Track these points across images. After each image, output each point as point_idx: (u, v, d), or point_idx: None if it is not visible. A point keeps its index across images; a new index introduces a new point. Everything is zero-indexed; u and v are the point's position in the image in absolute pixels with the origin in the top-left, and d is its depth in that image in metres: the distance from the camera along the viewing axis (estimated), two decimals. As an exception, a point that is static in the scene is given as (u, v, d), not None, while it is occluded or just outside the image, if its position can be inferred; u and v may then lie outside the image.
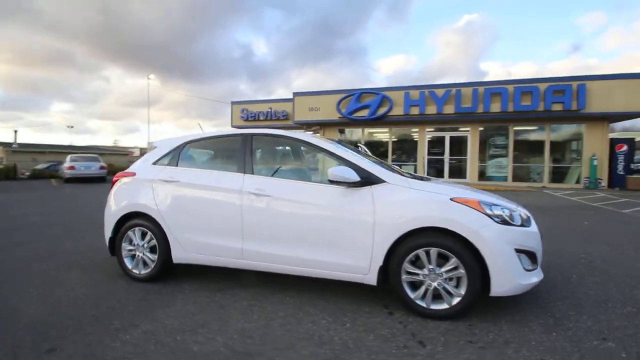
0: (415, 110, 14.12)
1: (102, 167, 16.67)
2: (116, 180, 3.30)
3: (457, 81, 12.14)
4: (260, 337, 2.12)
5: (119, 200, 3.17)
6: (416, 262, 2.36)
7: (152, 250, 3.03)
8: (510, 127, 14.08)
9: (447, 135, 15.00)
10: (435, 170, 15.11)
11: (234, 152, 3.01)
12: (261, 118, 19.02)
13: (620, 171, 12.97)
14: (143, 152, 31.80)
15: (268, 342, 2.05)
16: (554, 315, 2.38)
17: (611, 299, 2.69)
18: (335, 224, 2.51)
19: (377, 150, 15.47)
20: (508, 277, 2.22)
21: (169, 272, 3.10)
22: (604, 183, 12.92)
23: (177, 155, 3.15)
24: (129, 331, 2.18)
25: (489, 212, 2.28)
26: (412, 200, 2.40)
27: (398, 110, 14.34)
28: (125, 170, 3.34)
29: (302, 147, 3.10)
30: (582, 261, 3.71)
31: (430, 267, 2.32)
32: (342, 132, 16.76)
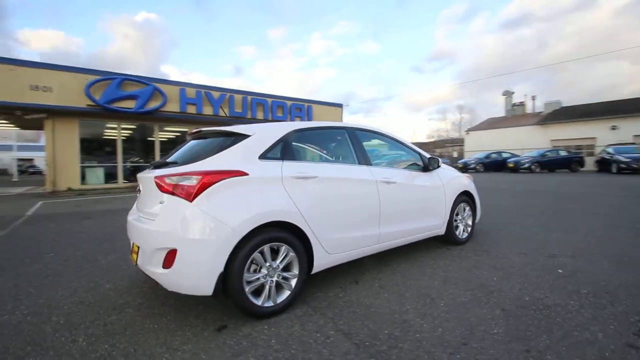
0: (192, 109, 13.76)
1: None
2: (209, 184, 2.08)
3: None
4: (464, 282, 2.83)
5: (236, 211, 2.10)
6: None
7: (286, 268, 2.35)
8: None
9: (217, 136, 15.75)
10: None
11: (342, 144, 2.99)
12: None
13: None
14: None
15: (460, 283, 2.83)
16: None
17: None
18: (433, 197, 3.49)
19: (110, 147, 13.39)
20: (479, 209, 4.28)
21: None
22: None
23: (287, 146, 2.54)
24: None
25: (471, 179, 4.22)
26: (455, 177, 3.87)
27: (173, 107, 13.33)
28: (221, 169, 2.17)
29: (390, 142, 3.46)
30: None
31: (463, 214, 3.93)
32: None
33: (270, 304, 2.24)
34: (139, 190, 2.54)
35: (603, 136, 24.21)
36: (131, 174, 13.52)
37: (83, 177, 12.56)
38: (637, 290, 2.53)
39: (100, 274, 3.28)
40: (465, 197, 3.95)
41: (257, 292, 2.22)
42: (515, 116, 36.63)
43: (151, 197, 2.31)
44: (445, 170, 3.80)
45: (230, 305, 2.43)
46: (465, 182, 4.01)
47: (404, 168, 3.47)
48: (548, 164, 19.09)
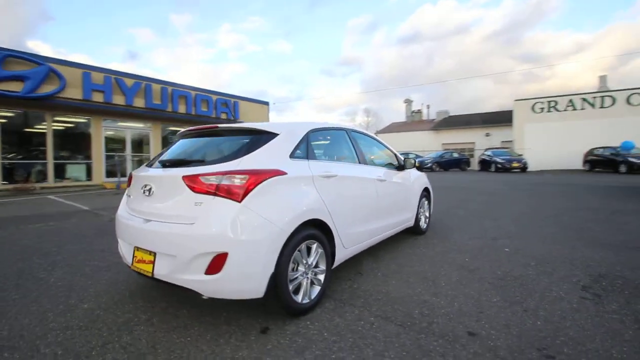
0: (99, 97, 11.82)
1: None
2: (256, 183, 2.01)
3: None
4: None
5: (281, 210, 2.09)
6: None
7: (315, 265, 2.41)
8: (186, 127, 15.82)
9: (130, 131, 13.86)
10: (118, 168, 13.49)
11: (343, 144, 3.15)
12: None
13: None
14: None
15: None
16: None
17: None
18: (408, 193, 3.93)
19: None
20: (432, 204, 4.95)
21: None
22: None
23: (308, 146, 2.59)
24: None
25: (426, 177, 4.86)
26: (419, 175, 4.40)
27: (74, 93, 11.24)
28: (263, 168, 2.12)
29: (372, 142, 3.71)
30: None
31: (424, 207, 4.51)
32: None
33: (307, 300, 2.29)
34: (149, 190, 2.25)
35: (480, 141, 29.58)
36: (10, 173, 10.91)
37: (-61, 177, 9.62)
38: (565, 259, 3.38)
39: (62, 293, 2.75)
40: (425, 192, 4.54)
41: (295, 290, 2.25)
42: (414, 122, 41.73)
43: (175, 198, 2.10)
44: (412, 170, 4.31)
45: (254, 307, 2.38)
46: (425, 179, 4.60)
47: (383, 167, 3.83)
48: (444, 164, 22.49)
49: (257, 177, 2.05)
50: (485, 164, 20.61)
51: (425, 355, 1.82)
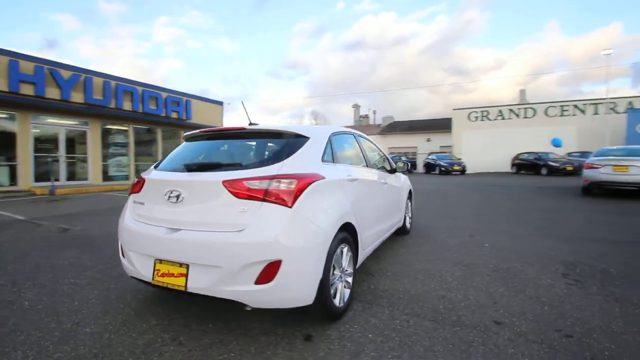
0: (28, 89, 10.26)
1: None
2: (304, 187, 1.98)
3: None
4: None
5: (324, 214, 2.09)
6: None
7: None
8: (131, 126, 14.49)
9: (64, 129, 12.23)
10: (51, 171, 11.82)
11: (354, 148, 3.22)
12: None
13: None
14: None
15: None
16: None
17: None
18: (400, 195, 4.13)
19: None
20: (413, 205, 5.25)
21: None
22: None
23: (331, 149, 2.60)
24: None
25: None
26: (405, 179, 4.64)
27: (-3, 84, 9.59)
28: (305, 173, 2.09)
29: (372, 146, 3.78)
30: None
31: (409, 209, 4.76)
32: None
33: (342, 304, 2.30)
34: (177, 197, 2.06)
35: (421, 146, 31.86)
36: None
37: None
38: (537, 251, 3.84)
39: (48, 317, 2.38)
40: (409, 194, 4.81)
41: (333, 294, 2.24)
42: (362, 126, 43.41)
43: (214, 205, 1.96)
44: (400, 174, 4.53)
45: (283, 314, 2.32)
46: (409, 182, 4.88)
47: (381, 170, 3.98)
48: (394, 166, 23.81)
49: (304, 181, 2.02)
50: (429, 167, 22.28)
51: (469, 345, 1.96)
